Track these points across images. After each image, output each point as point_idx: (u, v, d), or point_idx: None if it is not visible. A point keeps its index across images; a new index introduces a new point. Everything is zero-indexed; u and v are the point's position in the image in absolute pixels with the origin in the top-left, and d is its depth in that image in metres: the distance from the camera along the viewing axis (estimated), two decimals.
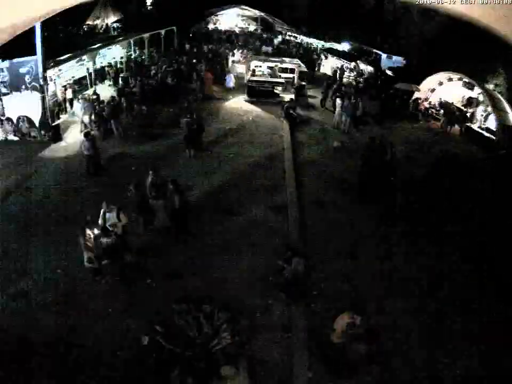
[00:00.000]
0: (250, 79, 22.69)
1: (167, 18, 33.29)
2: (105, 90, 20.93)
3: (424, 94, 21.65)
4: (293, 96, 20.59)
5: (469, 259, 9.81)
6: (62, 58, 18.52)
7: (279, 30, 42.07)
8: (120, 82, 21.68)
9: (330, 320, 7.73)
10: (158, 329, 6.12)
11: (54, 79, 17.19)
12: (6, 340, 6.99)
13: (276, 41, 39.08)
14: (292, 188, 12.59)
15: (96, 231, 8.09)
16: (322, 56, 32.29)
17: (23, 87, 14.93)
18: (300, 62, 24.69)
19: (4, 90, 15.00)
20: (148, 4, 35.15)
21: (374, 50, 28.40)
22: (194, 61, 26.26)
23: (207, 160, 14.36)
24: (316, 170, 14.12)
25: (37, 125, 15.25)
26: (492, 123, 17.71)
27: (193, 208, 10.88)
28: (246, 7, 42.46)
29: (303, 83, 23.37)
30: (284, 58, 26.00)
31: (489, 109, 17.92)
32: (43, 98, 15.13)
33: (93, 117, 15.57)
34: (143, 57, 27.67)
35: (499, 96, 18.30)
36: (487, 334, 7.64)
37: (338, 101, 18.88)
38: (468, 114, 19.40)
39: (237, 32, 42.55)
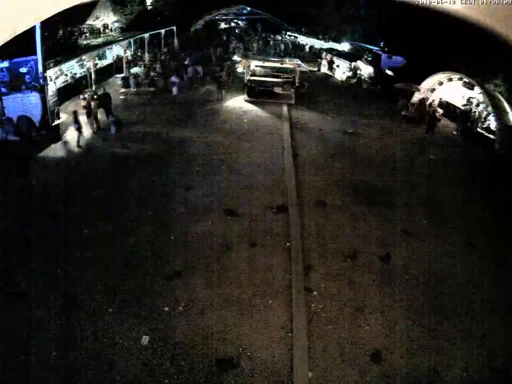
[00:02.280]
0: (250, 79, 22.68)
1: (167, 18, 33.37)
2: None
3: (424, 94, 21.64)
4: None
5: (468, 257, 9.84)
6: (62, 58, 18.55)
7: (279, 30, 42.11)
8: None
9: (330, 320, 7.77)
10: None
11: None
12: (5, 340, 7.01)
13: (276, 41, 39.10)
14: (292, 188, 12.59)
15: None
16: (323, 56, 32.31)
17: (23, 87, 14.93)
18: (300, 62, 24.68)
19: (3, 90, 14.99)
20: (148, 3, 35.10)
21: (374, 50, 28.39)
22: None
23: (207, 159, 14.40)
24: (316, 170, 14.12)
25: (37, 125, 15.24)
26: (491, 123, 17.71)
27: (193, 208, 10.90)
28: (247, 7, 42.53)
29: (304, 83, 23.40)
30: (284, 58, 25.99)
31: (489, 109, 17.92)
32: (43, 98, 15.12)
33: None
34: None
35: (499, 96, 18.28)
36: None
37: None
38: (468, 114, 19.42)
39: (237, 32, 42.59)
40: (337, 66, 29.67)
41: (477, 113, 19.04)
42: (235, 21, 44.41)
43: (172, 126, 17.52)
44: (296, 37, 39.34)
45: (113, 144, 15.27)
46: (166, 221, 10.61)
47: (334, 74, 29.86)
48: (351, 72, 28.53)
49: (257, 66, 24.27)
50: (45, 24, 15.01)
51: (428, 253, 9.97)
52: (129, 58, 27.56)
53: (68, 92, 19.84)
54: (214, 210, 11.22)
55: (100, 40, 26.06)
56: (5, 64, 14.74)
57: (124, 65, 25.60)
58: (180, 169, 13.51)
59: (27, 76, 14.85)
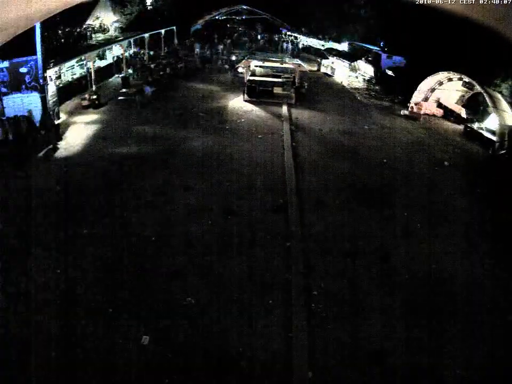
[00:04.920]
0: (250, 79, 22.67)
1: (167, 18, 33.37)
2: None
3: (424, 94, 21.65)
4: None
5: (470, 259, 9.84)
6: (62, 58, 18.57)
7: (279, 30, 42.12)
8: None
9: (330, 320, 7.77)
10: None
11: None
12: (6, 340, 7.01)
13: (276, 41, 39.12)
14: (292, 188, 12.59)
15: None
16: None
17: (23, 87, 14.94)
18: (300, 62, 24.66)
19: (3, 90, 15.00)
20: (148, 3, 35.11)
21: (374, 50, 28.38)
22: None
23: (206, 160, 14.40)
24: (316, 170, 14.12)
25: (37, 125, 15.25)
26: (492, 123, 17.71)
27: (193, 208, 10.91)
28: (247, 7, 42.55)
29: (304, 83, 23.41)
30: (284, 58, 25.98)
31: (489, 109, 17.93)
32: (43, 98, 15.13)
33: None
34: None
35: (499, 96, 18.28)
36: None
37: None
38: (468, 115, 19.43)
39: (238, 32, 42.62)
40: (337, 66, 29.68)
41: (477, 113, 19.06)
42: (235, 20, 44.47)
43: (172, 125, 17.52)
44: (296, 37, 39.29)
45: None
46: (165, 221, 10.62)
47: (333, 74, 29.85)
48: (351, 72, 28.55)
49: (257, 66, 24.26)
50: (45, 24, 15.01)
51: (428, 253, 9.97)
52: (130, 58, 27.69)
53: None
54: (214, 210, 11.22)
55: (100, 40, 26.06)
56: (5, 64, 14.75)
57: (124, 65, 25.64)
58: (180, 168, 13.51)
59: (27, 76, 14.87)
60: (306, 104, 21.85)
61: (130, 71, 25.27)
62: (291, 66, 23.68)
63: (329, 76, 29.87)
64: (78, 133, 16.18)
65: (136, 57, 28.34)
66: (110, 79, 24.41)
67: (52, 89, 16.05)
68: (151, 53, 29.77)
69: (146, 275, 8.67)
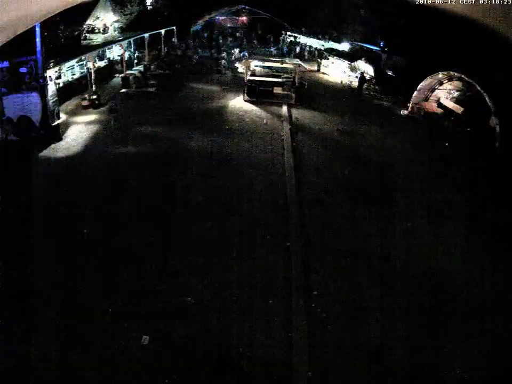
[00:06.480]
0: (250, 79, 22.67)
1: (167, 18, 33.41)
2: None
3: (424, 94, 21.64)
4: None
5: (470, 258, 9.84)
6: (62, 58, 18.57)
7: (279, 30, 42.10)
8: None
9: (330, 320, 7.78)
10: None
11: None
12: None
13: (276, 41, 39.14)
14: (292, 188, 12.59)
15: None
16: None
17: (23, 87, 14.93)
18: (300, 62, 24.66)
19: (3, 90, 14.99)
20: (148, 3, 35.13)
21: (374, 50, 28.37)
22: None
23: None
24: (315, 170, 14.12)
25: (37, 125, 15.24)
26: (491, 123, 17.69)
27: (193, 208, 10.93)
28: (248, 7, 42.55)
29: (304, 83, 23.41)
30: (284, 58, 25.99)
31: (489, 108, 17.91)
32: (43, 98, 15.12)
33: None
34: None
35: (499, 96, 18.26)
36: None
37: None
38: (468, 114, 19.41)
39: (238, 32, 42.65)
40: (337, 66, 29.67)
41: (477, 113, 19.02)
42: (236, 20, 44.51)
43: (172, 125, 17.51)
44: (296, 37, 39.25)
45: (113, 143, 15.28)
46: (165, 221, 10.61)
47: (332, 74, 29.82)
48: (351, 72, 28.51)
49: (257, 66, 24.25)
50: (45, 24, 15.01)
51: (428, 253, 9.97)
52: (132, 58, 27.77)
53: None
54: (214, 209, 11.22)
55: (99, 40, 26.06)
56: (5, 64, 14.74)
57: (124, 65, 25.64)
58: (179, 169, 13.50)
59: (27, 76, 14.86)
60: (306, 104, 21.84)
61: (130, 71, 25.29)
62: (291, 66, 23.66)
63: (329, 75, 29.84)
64: (78, 133, 16.18)
65: (136, 58, 28.38)
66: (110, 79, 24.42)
67: (51, 89, 16.02)
68: (151, 53, 29.82)
69: (146, 274, 8.67)
